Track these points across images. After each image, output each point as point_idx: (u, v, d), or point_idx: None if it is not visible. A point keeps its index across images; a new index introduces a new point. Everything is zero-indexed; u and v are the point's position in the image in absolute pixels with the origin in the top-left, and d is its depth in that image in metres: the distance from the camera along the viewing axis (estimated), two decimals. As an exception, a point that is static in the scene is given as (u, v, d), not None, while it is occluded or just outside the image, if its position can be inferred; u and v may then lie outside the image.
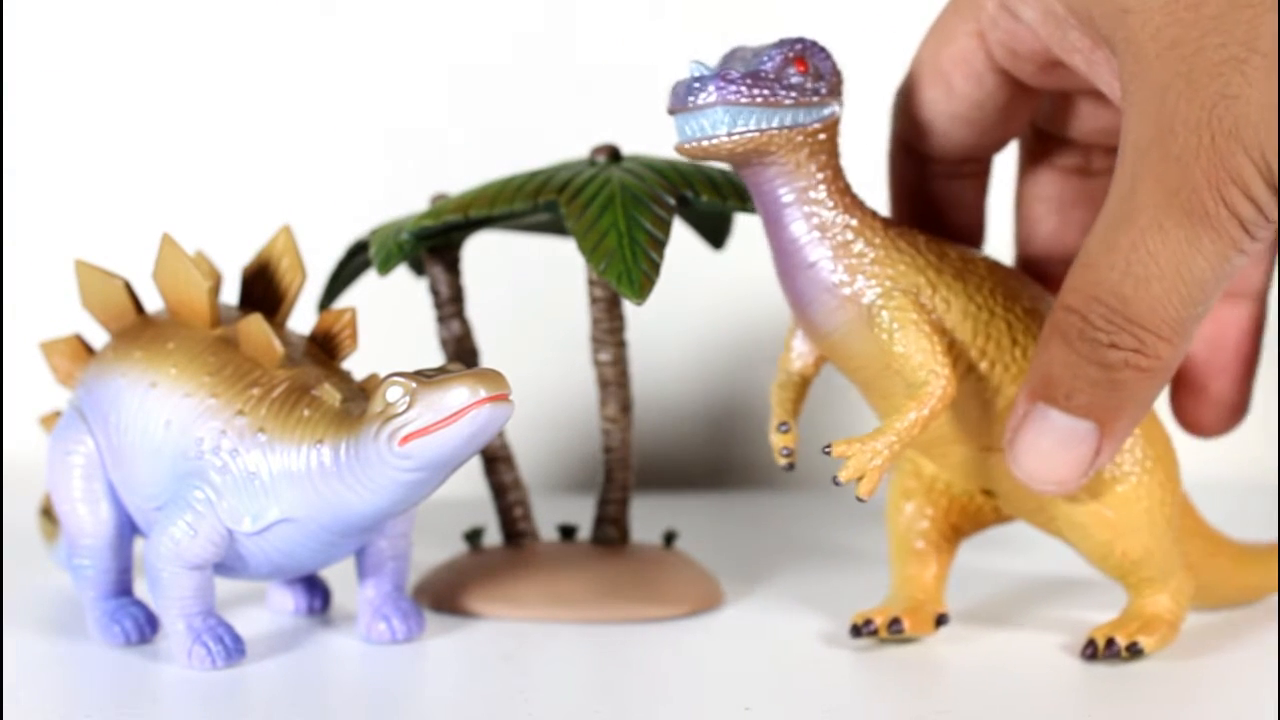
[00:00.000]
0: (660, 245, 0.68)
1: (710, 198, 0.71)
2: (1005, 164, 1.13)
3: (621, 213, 0.69)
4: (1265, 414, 1.13)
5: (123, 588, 0.70)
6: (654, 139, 0.80)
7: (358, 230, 0.80)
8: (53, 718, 0.60)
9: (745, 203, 0.71)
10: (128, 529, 0.70)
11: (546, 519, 0.84)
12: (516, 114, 1.13)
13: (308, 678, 0.66)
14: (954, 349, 0.66)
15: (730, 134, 0.62)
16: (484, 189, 0.73)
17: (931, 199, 0.72)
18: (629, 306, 0.73)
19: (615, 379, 0.77)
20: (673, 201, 0.70)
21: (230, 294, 0.77)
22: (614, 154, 0.74)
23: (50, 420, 0.76)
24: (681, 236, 0.78)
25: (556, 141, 0.88)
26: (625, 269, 0.68)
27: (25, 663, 0.68)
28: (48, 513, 0.79)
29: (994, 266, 0.68)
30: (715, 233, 0.81)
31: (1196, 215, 0.57)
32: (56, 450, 0.70)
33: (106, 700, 0.63)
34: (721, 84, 0.62)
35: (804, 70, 0.63)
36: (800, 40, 0.64)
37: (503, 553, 0.77)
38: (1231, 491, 0.92)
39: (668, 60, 0.86)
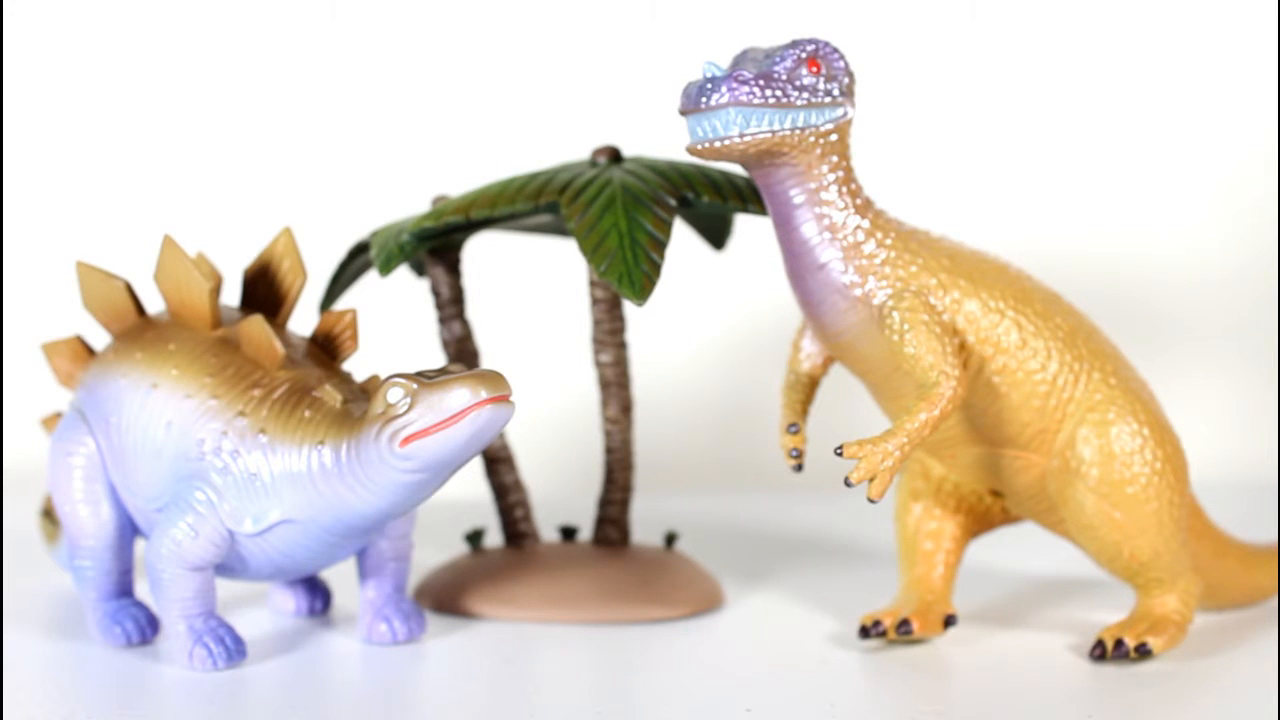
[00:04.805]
0: (661, 246, 0.68)
1: (711, 199, 0.71)
2: (997, 156, 1.13)
3: (622, 214, 0.69)
4: (1266, 414, 1.13)
5: (124, 589, 0.70)
6: (655, 140, 0.80)
7: (359, 231, 0.80)
8: (53, 718, 0.60)
9: (746, 204, 0.71)
10: (129, 530, 0.70)
11: (547, 520, 0.84)
12: (516, 114, 1.13)
13: (309, 679, 0.66)
14: (965, 350, 0.66)
15: (743, 135, 0.62)
16: (485, 190, 0.73)
17: None
18: (630, 307, 0.73)
19: (616, 380, 0.77)
20: (674, 203, 0.70)
21: (231, 295, 0.77)
22: (615, 155, 0.74)
23: (51, 421, 0.76)
24: (682, 238, 0.78)
25: (557, 142, 0.88)
26: (626, 270, 0.68)
27: (25, 663, 0.68)
28: (49, 514, 0.79)
29: (1006, 269, 0.68)
30: (716, 234, 0.81)
31: None
32: (57, 451, 0.70)
33: (107, 701, 0.63)
34: (734, 85, 0.62)
35: (817, 71, 0.64)
36: (813, 41, 0.64)
37: (504, 554, 0.77)
38: (1236, 493, 0.92)
39: (668, 60, 0.86)
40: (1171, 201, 1.14)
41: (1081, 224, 1.13)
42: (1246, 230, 1.13)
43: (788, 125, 0.63)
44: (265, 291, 0.70)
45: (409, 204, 0.81)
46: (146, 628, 0.70)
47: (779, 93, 0.63)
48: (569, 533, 0.79)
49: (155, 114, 1.13)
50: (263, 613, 0.75)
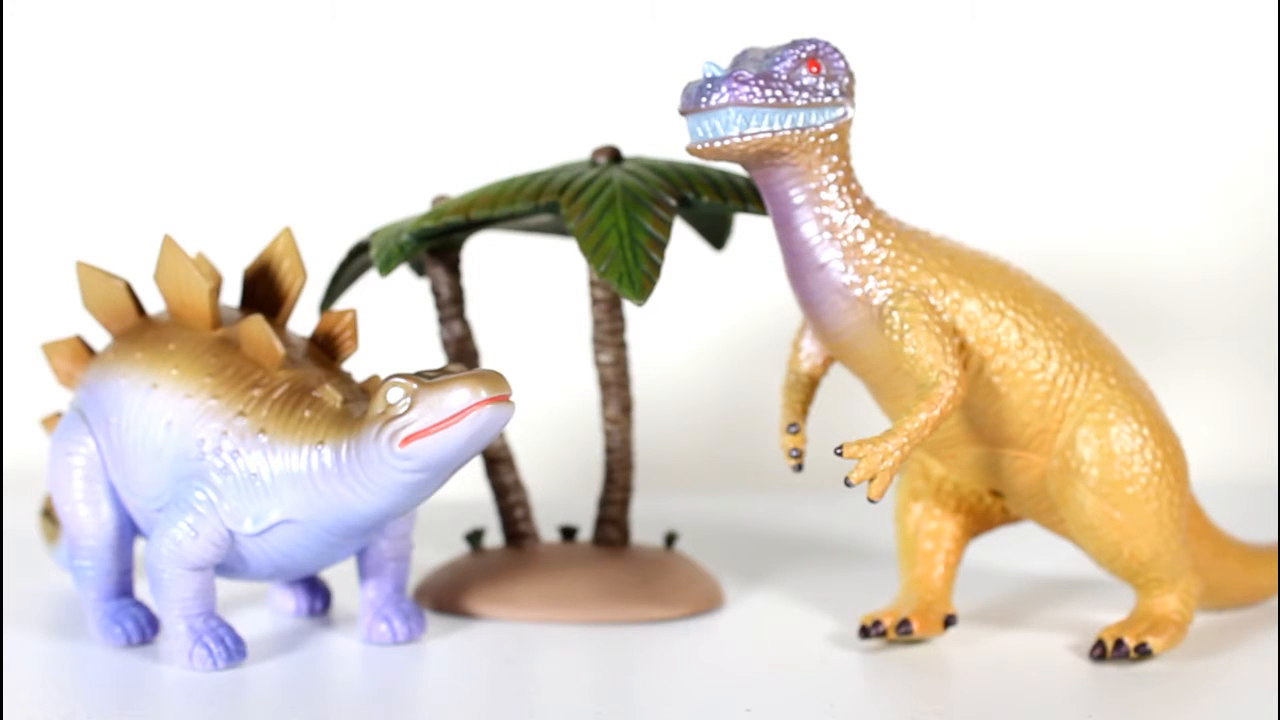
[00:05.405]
0: (661, 246, 0.68)
1: (711, 199, 0.71)
2: (998, 156, 1.13)
3: (622, 214, 0.69)
4: (1266, 414, 1.13)
5: (124, 589, 0.70)
6: (655, 140, 0.80)
7: (359, 231, 0.80)
8: (53, 718, 0.60)
9: (746, 204, 0.71)
10: (129, 530, 0.70)
11: (547, 520, 0.84)
12: (516, 114, 1.13)
13: (309, 679, 0.66)
14: (965, 350, 0.66)
15: (743, 135, 0.62)
16: (485, 190, 0.73)
17: None
18: (630, 307, 0.73)
19: (616, 380, 0.77)
20: (674, 202, 0.70)
21: (231, 295, 0.77)
22: (615, 155, 0.74)
23: (51, 421, 0.76)
24: (682, 238, 0.78)
25: (557, 141, 0.88)
26: (626, 270, 0.68)
27: (25, 663, 0.68)
28: (49, 514, 0.79)
29: (1006, 269, 0.68)
30: (716, 234, 0.81)
31: None
32: (57, 451, 0.70)
33: (107, 701, 0.63)
34: (734, 85, 0.62)
35: (817, 71, 0.64)
36: (813, 41, 0.64)
37: (503, 554, 0.77)
38: (1236, 493, 0.92)
39: (668, 60, 0.86)
40: (1171, 201, 1.14)
41: (1081, 224, 1.13)
42: (1246, 230, 1.13)
43: (788, 125, 0.63)
44: (265, 291, 0.70)
45: (409, 204, 0.81)
46: (146, 628, 0.70)
47: (779, 93, 0.63)
48: (569, 533, 0.79)
49: (155, 114, 1.13)
50: (263, 613, 0.75)
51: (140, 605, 0.70)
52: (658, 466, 1.00)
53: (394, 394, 0.62)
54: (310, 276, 0.71)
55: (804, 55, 0.64)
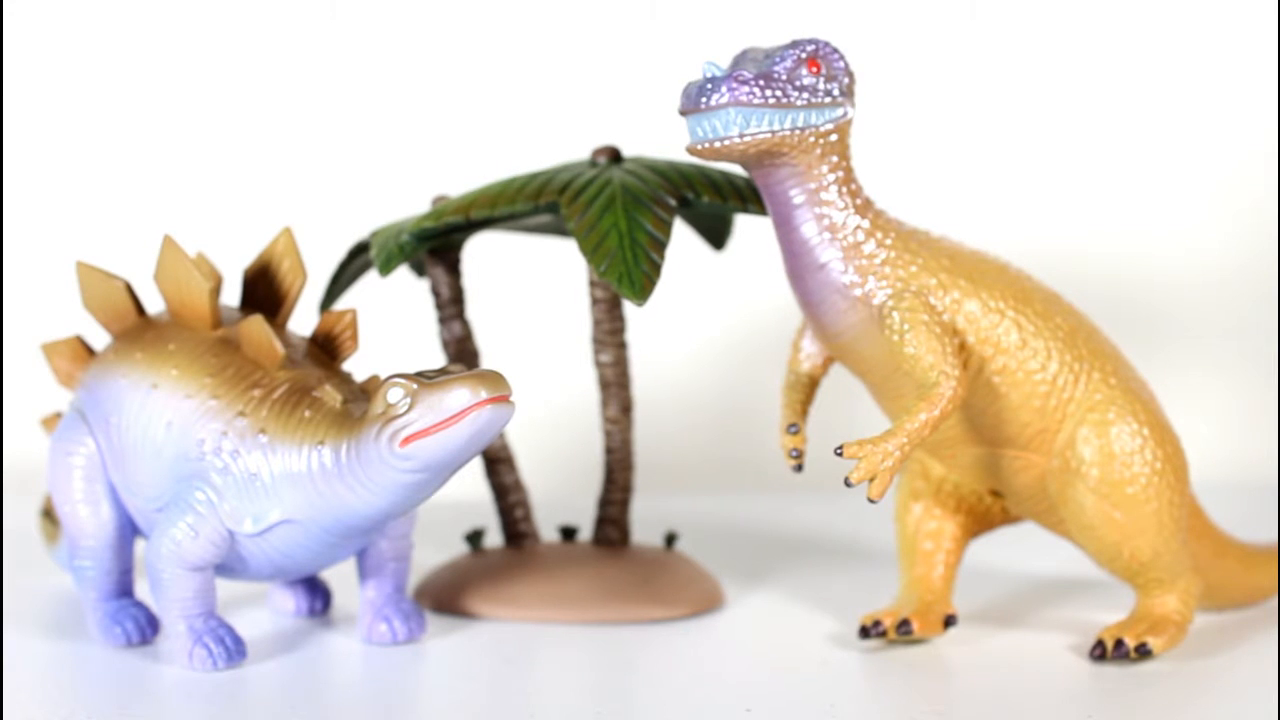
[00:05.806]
0: (661, 246, 0.68)
1: (711, 199, 0.71)
2: (997, 156, 1.13)
3: (622, 214, 0.69)
4: (1266, 414, 1.13)
5: (124, 589, 0.70)
6: (655, 140, 0.80)
7: (359, 231, 0.80)
8: (53, 718, 0.60)
9: (746, 204, 0.71)
10: (129, 530, 0.70)
11: (547, 520, 0.84)
12: (516, 114, 1.13)
13: (309, 679, 0.66)
14: (965, 350, 0.66)
15: (743, 135, 0.62)
16: (485, 190, 0.73)
17: None
18: (630, 307, 0.73)
19: (616, 380, 0.77)
20: (674, 203, 0.70)
21: (231, 295, 0.77)
22: (615, 155, 0.74)
23: (51, 421, 0.76)
24: (682, 238, 0.78)
25: (557, 142, 0.88)
26: (626, 270, 0.68)
27: (25, 663, 0.68)
28: (48, 514, 0.79)
29: (1006, 269, 0.68)
30: (716, 234, 0.81)
31: None
32: (57, 451, 0.70)
33: (107, 701, 0.63)
34: (734, 85, 0.62)
35: (817, 71, 0.64)
36: (813, 41, 0.64)
37: (503, 554, 0.77)
38: (1236, 493, 0.92)
39: (668, 60, 0.86)
40: (1171, 201, 1.14)
41: (1081, 224, 1.13)
42: (1246, 230, 1.13)
43: (787, 125, 0.63)
44: (265, 291, 0.70)
45: (409, 204, 0.81)
46: (146, 628, 0.70)
47: (779, 93, 0.63)
48: (569, 533, 0.79)
49: (155, 114, 1.13)
50: (263, 613, 0.75)
51: (140, 605, 0.70)
52: (658, 466, 1.00)
53: (394, 394, 0.62)
54: (310, 276, 0.71)
55: (804, 55, 0.64)
